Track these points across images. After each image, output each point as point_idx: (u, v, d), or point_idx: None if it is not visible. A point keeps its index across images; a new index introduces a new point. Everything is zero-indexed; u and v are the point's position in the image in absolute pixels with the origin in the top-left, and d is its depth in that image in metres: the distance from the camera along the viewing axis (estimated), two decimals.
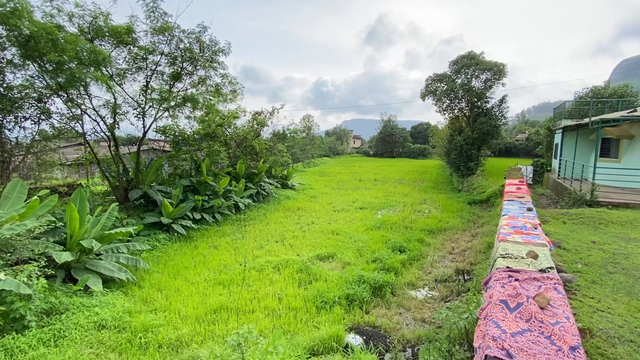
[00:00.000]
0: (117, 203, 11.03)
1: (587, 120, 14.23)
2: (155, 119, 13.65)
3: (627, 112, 14.26)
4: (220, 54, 14.18)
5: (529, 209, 8.45)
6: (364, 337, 6.57)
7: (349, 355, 5.59)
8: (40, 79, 10.70)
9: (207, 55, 13.86)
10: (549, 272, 4.12)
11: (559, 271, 4.95)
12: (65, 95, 11.21)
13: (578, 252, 6.66)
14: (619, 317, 4.12)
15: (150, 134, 15.00)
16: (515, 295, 3.37)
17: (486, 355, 2.59)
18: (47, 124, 11.61)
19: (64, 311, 6.47)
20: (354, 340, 6.48)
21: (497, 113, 26.66)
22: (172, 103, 13.31)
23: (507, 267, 4.33)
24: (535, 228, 6.50)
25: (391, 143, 65.26)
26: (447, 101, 27.91)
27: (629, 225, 8.77)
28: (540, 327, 2.90)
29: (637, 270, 5.69)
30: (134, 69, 13.01)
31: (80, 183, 15.36)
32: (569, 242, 7.33)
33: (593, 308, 4.36)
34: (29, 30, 9.21)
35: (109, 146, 13.12)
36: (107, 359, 5.71)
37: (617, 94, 23.80)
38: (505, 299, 3.35)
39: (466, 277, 9.21)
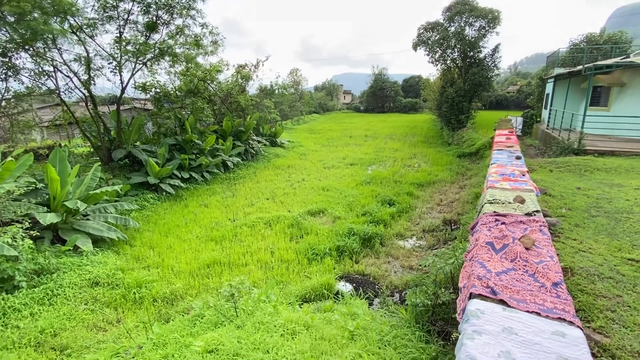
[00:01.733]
0: (101, 163, 10.73)
1: (580, 67, 13.93)
2: (132, 74, 12.88)
3: (620, 59, 13.97)
4: (198, 0, 13.12)
5: (518, 158, 8.46)
6: (354, 285, 6.79)
7: (339, 301, 5.78)
8: (3, 32, 9.81)
9: (183, 1, 12.81)
10: (535, 215, 4.16)
11: (544, 216, 5.02)
12: (32, 49, 10.38)
13: (563, 198, 6.78)
14: (599, 257, 4.25)
15: (130, 91, 14.27)
16: (502, 237, 3.40)
17: (471, 293, 2.63)
18: (15, 80, 10.85)
19: (55, 271, 6.46)
20: (344, 287, 6.69)
21: (490, 63, 25.95)
22: (149, 55, 12.48)
23: (494, 211, 4.36)
24: (523, 175, 6.53)
25: (382, 98, 63.87)
26: (440, 51, 26.90)
27: (613, 172, 8.91)
28: (525, 265, 2.95)
29: (619, 213, 5.83)
30: (104, 19, 11.98)
31: (60, 144, 14.82)
32: (554, 188, 7.43)
33: (575, 249, 4.48)
34: None
35: (86, 104, 12.47)
36: (102, 313, 5.82)
37: (612, 40, 23.20)
38: (491, 241, 3.38)
39: (453, 227, 9.43)
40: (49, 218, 7.13)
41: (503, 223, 3.85)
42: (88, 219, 8.50)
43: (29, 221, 6.79)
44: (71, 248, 7.25)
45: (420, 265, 7.08)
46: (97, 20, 11.82)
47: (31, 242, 6.24)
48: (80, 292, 6.23)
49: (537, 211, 4.28)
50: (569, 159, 10.46)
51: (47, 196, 8.00)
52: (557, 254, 4.12)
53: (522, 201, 4.58)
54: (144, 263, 7.71)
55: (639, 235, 4.88)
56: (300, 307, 5.34)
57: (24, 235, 6.21)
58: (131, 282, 6.63)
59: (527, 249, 3.19)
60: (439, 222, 9.87)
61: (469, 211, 9.45)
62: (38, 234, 6.87)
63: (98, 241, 8.16)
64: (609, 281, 3.63)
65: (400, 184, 13.82)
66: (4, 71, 10.59)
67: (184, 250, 8.32)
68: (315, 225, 9.52)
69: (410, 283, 6.58)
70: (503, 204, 4.64)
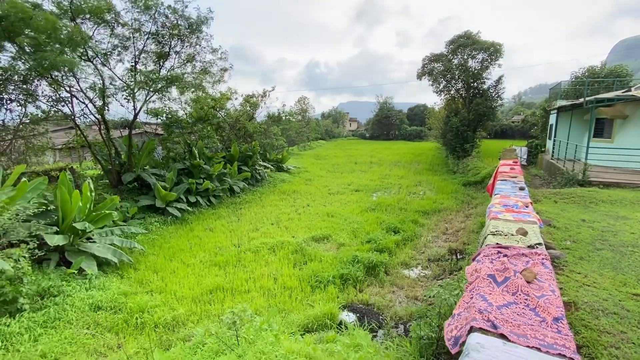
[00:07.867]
0: (110, 186, 10.94)
1: (582, 100, 14.18)
2: (145, 101, 13.39)
3: (622, 92, 14.21)
4: (203, 26, 13.79)
5: (521, 189, 8.50)
6: (358, 315, 6.70)
7: (342, 331, 5.70)
8: (23, 61, 10.37)
9: (194, 27, 13.52)
10: (537, 248, 4.18)
11: (548, 248, 5.02)
12: (50, 77, 10.91)
13: (568, 230, 6.75)
14: (604, 291, 4.21)
15: (142, 116, 14.76)
16: (503, 269, 3.42)
17: (471, 327, 2.64)
18: (33, 106, 11.34)
19: (58, 294, 6.49)
20: (348, 317, 6.60)
21: (494, 94, 26.45)
22: (160, 85, 13.02)
23: (497, 243, 4.38)
24: (527, 206, 6.55)
25: (387, 125, 64.82)
26: (444, 82, 27.57)
27: (618, 204, 8.87)
28: (526, 299, 2.96)
29: (624, 246, 5.79)
30: (120, 49, 12.65)
31: (72, 167, 15.19)
32: (559, 220, 7.41)
33: (579, 283, 4.44)
34: (0, 10, 8.82)
35: (100, 129, 12.91)
36: (103, 338, 5.79)
37: (614, 74, 23.66)
38: (493, 273, 3.40)
39: (459, 256, 9.34)
40: (57, 240, 7.25)
41: (505, 255, 3.87)
42: (94, 242, 8.60)
43: (37, 242, 6.90)
44: (76, 271, 7.30)
45: (425, 296, 6.99)
46: (112, 51, 12.48)
47: (32, 264, 6.30)
48: (83, 316, 6.22)
49: (540, 244, 4.29)
50: (573, 190, 10.46)
51: (56, 218, 8.16)
52: (561, 288, 4.10)
53: (525, 233, 4.61)
54: (147, 287, 7.71)
55: None
56: (302, 337, 5.27)
57: (26, 256, 6.29)
58: (133, 306, 6.62)
59: (528, 282, 3.20)
60: (444, 252, 9.78)
61: (474, 241, 9.39)
62: (44, 255, 6.97)
63: (103, 264, 8.21)
64: (613, 317, 3.58)
65: (406, 211, 13.82)
66: (23, 97, 11.09)
67: (187, 275, 8.32)
68: (320, 252, 9.50)
69: (415, 314, 6.47)
70: (505, 235, 4.66)
